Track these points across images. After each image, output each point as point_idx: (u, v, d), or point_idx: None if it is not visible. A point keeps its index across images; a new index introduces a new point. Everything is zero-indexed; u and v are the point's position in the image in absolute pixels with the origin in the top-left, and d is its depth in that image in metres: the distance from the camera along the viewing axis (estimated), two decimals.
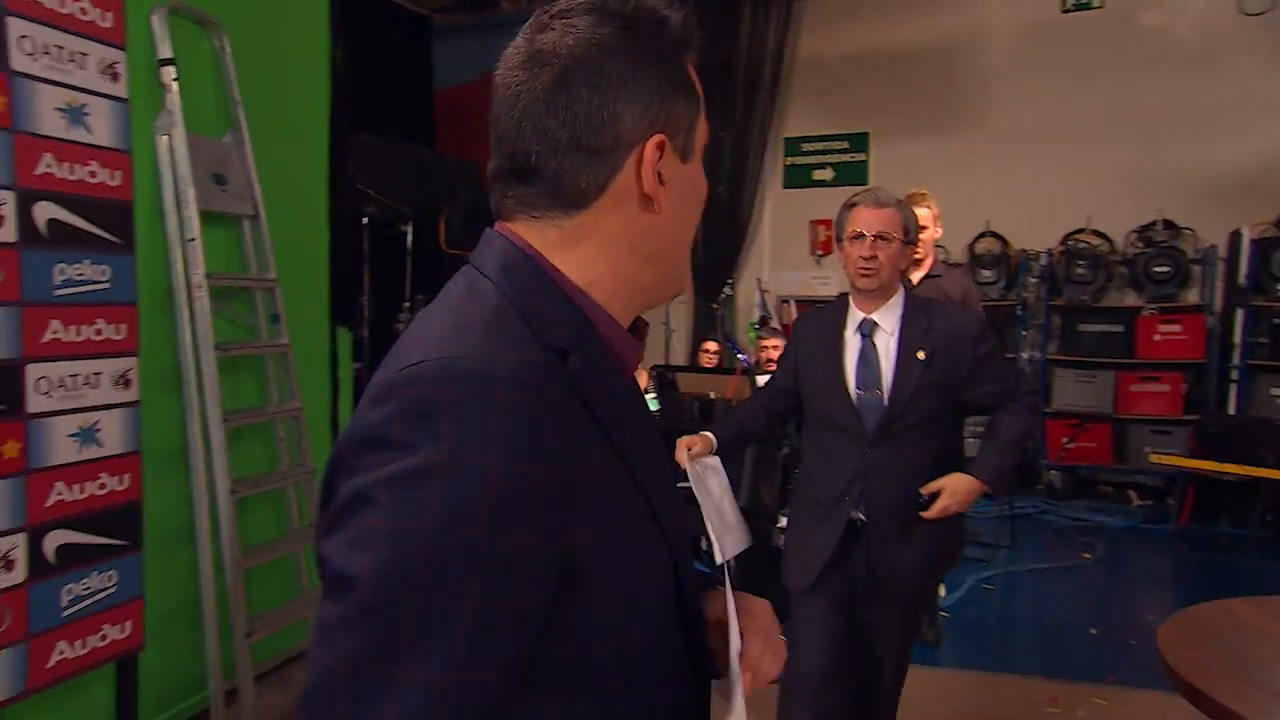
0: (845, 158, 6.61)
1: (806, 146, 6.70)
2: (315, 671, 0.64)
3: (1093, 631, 3.79)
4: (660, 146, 0.76)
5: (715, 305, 6.59)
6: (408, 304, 6.73)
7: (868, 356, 2.13)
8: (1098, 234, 5.76)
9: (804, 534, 2.25)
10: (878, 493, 2.11)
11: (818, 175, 6.69)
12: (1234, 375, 5.35)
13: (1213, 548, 4.93)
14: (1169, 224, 5.59)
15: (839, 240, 2.15)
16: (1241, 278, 5.31)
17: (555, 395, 0.70)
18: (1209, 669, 1.73)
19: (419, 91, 7.29)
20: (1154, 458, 5.19)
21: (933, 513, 2.08)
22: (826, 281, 6.58)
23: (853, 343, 2.15)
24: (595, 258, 0.78)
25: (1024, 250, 5.91)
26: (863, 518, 2.15)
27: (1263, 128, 5.38)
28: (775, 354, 4.98)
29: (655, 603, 0.78)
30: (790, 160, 6.74)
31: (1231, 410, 5.33)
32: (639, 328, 0.88)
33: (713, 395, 3.54)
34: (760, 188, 6.71)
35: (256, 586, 2.79)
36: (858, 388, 2.12)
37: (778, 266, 6.72)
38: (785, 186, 6.73)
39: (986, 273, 6.00)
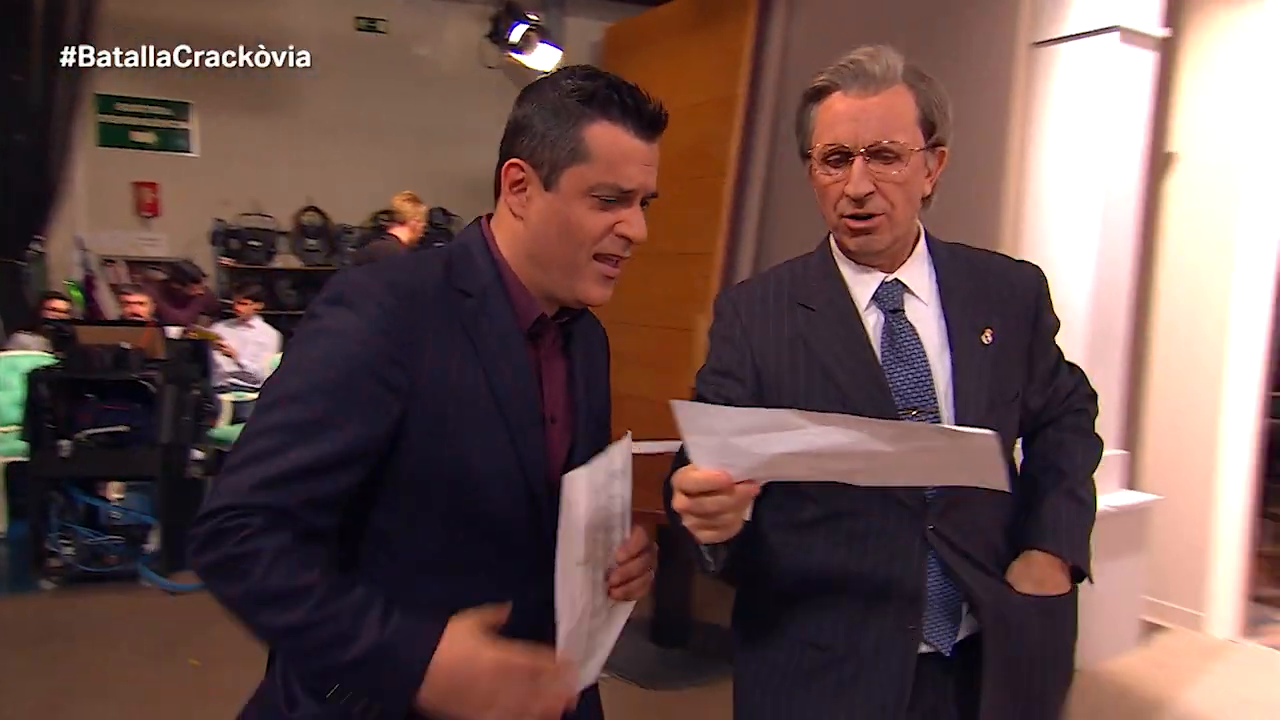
0: (167, 124, 6.66)
1: (123, 107, 6.52)
2: (237, 442, 0.93)
3: None
4: (516, 167, 1.01)
5: (23, 263, 5.98)
6: None
7: (903, 346, 1.17)
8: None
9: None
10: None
11: (138, 137, 6.59)
12: None
13: None
14: (445, 211, 7.33)
15: (804, 155, 1.19)
16: None
17: (421, 309, 0.96)
18: None
19: None
20: None
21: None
22: (155, 242, 6.59)
23: (872, 324, 1.18)
24: (502, 239, 1.05)
25: (342, 224, 7.00)
26: (949, 645, 1.17)
27: (496, 146, 7.48)
28: (141, 309, 5.06)
29: (492, 480, 1.00)
30: (105, 119, 6.46)
31: None
32: (575, 311, 1.10)
33: (127, 345, 3.73)
34: (70, 142, 6.27)
35: None
36: (899, 407, 1.14)
37: (98, 226, 6.42)
38: (100, 144, 6.43)
39: (312, 241, 6.92)
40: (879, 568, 1.15)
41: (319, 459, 0.90)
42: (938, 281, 1.20)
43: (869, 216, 1.13)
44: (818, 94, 1.15)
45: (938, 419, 1.14)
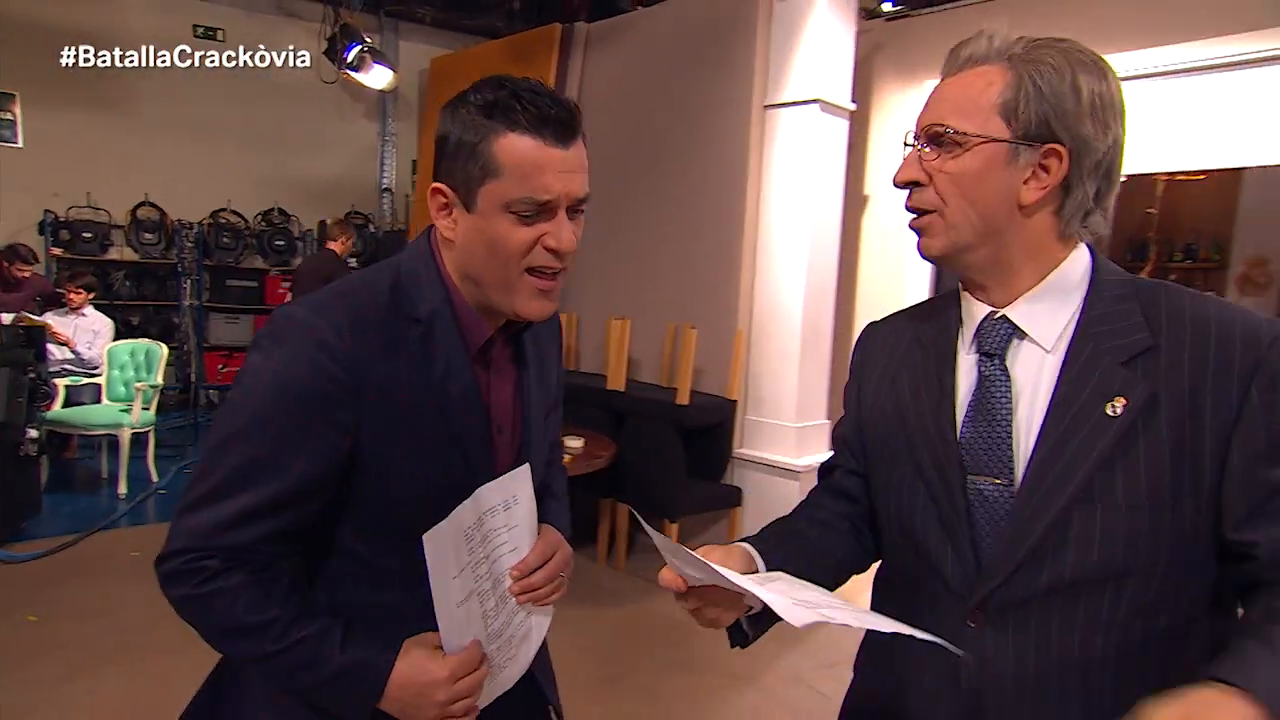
0: None
1: None
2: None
3: None
4: (438, 192, 0.94)
5: None
6: None
7: (991, 398, 0.90)
8: (236, 213, 7.31)
9: None
10: None
11: None
12: None
13: None
14: (282, 211, 7.50)
15: None
16: None
17: (366, 342, 0.90)
18: None
19: None
20: None
21: None
22: None
23: (967, 368, 0.94)
24: (447, 259, 0.98)
25: (180, 220, 7.03)
26: None
27: (333, 154, 7.75)
28: None
29: (447, 496, 0.93)
30: None
31: None
32: (517, 324, 1.04)
33: None
34: None
35: None
36: (969, 469, 0.90)
37: None
38: None
39: (149, 235, 6.93)
40: (913, 660, 0.92)
41: (268, 499, 0.89)
42: (1078, 322, 0.88)
43: (921, 213, 0.91)
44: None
45: (1010, 489, 0.86)
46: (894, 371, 1.00)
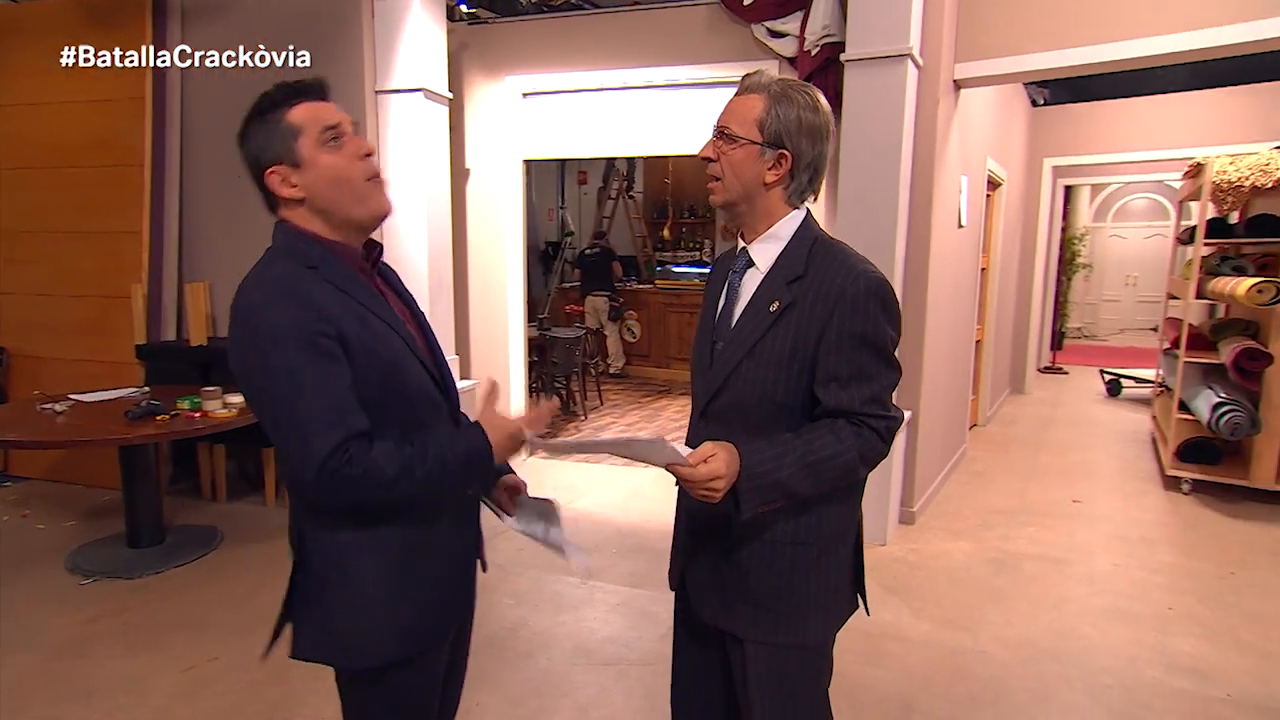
0: None
1: None
2: None
3: None
4: (275, 174, 1.19)
5: None
6: None
7: (731, 299, 1.34)
8: None
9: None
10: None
11: None
12: None
13: None
14: None
15: None
16: None
17: (307, 284, 1.15)
18: None
19: None
20: None
21: (693, 476, 1.19)
22: None
23: (729, 284, 1.36)
24: (302, 224, 1.22)
25: None
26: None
27: None
28: None
29: (402, 366, 1.22)
30: None
31: None
32: (371, 245, 1.31)
33: None
34: None
35: None
36: (715, 339, 1.34)
37: None
38: None
39: None
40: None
41: (350, 386, 1.16)
42: (776, 259, 1.27)
43: (714, 179, 1.28)
44: None
45: (722, 347, 1.31)
46: (713, 290, 1.41)
